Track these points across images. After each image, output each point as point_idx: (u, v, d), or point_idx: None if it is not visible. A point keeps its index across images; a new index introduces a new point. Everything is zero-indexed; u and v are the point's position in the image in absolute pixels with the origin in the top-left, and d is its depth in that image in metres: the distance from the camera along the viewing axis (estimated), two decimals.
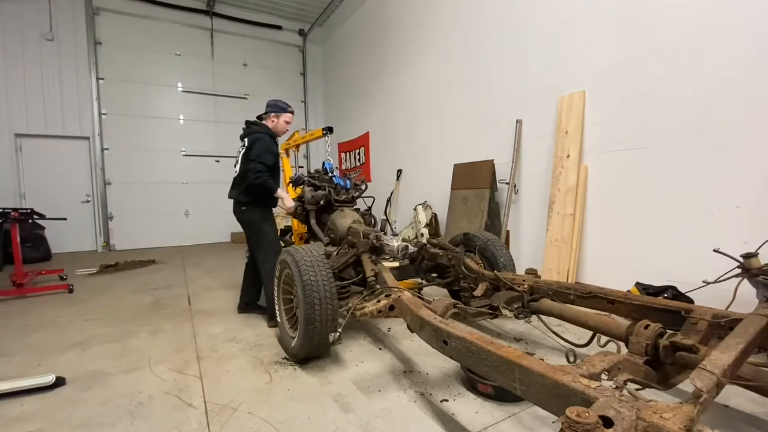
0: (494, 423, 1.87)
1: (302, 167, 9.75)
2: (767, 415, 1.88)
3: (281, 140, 3.83)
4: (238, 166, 3.47)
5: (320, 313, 2.30)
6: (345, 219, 3.71)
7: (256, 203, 3.41)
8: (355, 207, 4.07)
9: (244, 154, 3.41)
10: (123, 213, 8.59)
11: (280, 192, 3.45)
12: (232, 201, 3.53)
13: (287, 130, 3.65)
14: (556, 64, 4.30)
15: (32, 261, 6.73)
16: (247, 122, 3.59)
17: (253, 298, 3.74)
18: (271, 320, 3.28)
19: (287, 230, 6.24)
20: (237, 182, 3.49)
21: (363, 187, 3.94)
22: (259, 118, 3.60)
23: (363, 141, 8.80)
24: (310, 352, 2.46)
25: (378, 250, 3.26)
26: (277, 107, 3.57)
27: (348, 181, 3.90)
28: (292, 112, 3.64)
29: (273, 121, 3.55)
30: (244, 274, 3.77)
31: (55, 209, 7.02)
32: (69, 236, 7.97)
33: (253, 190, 3.33)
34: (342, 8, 9.39)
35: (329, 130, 5.65)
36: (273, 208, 3.60)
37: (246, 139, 3.45)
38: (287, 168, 6.76)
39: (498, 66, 5.09)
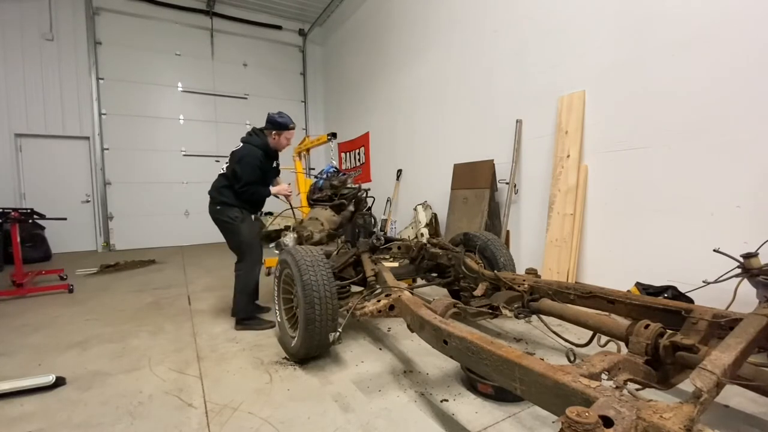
0: (494, 423, 1.87)
1: (314, 169, 9.80)
2: (767, 415, 1.88)
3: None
4: (226, 165, 3.44)
5: (320, 313, 2.30)
6: (311, 217, 3.77)
7: (234, 203, 3.34)
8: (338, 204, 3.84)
9: (231, 154, 3.42)
10: (123, 213, 8.60)
11: (274, 189, 3.50)
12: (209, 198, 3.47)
13: (289, 144, 3.59)
14: (556, 64, 4.30)
15: (32, 261, 6.74)
16: (251, 131, 3.52)
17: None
18: (238, 324, 3.30)
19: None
20: (220, 179, 3.44)
21: (348, 186, 3.80)
22: (262, 130, 3.49)
23: (363, 141, 8.80)
24: (310, 351, 2.46)
25: (377, 250, 3.27)
26: (278, 125, 3.43)
27: (321, 181, 3.91)
28: (293, 128, 3.52)
29: (274, 139, 3.46)
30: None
31: (55, 209, 7.01)
32: (69, 236, 7.97)
33: (246, 198, 3.36)
34: (342, 8, 9.39)
35: (333, 135, 5.99)
36: (253, 214, 3.53)
37: (240, 144, 3.43)
38: (299, 169, 6.96)
39: (498, 66, 5.09)
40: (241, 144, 3.43)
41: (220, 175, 3.47)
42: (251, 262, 3.35)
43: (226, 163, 3.44)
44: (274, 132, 3.44)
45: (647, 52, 3.46)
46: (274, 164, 3.63)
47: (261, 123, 3.57)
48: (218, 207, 3.37)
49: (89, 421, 1.97)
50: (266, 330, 3.22)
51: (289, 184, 3.69)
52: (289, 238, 3.50)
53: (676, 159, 3.29)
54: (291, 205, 3.93)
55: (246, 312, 3.35)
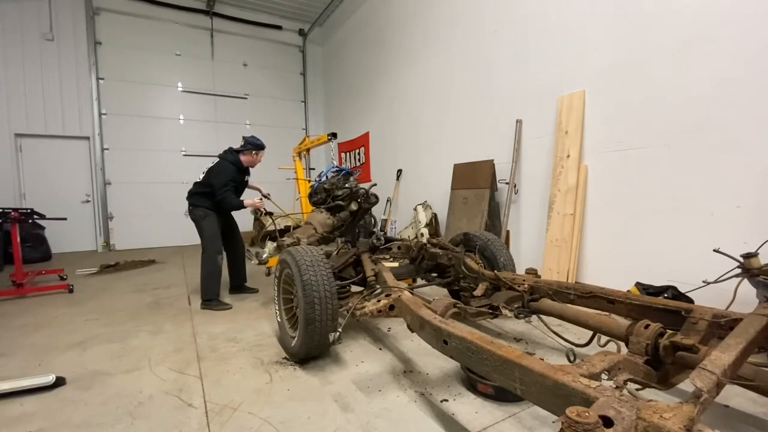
0: (494, 423, 1.87)
1: (314, 169, 9.80)
2: (767, 415, 1.88)
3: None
4: (202, 175, 4.03)
5: (320, 313, 2.30)
6: (307, 222, 3.85)
7: (201, 205, 3.99)
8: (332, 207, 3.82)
9: (209, 169, 4.02)
10: (123, 213, 8.60)
11: (247, 201, 3.98)
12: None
13: (260, 161, 4.24)
14: (556, 64, 4.30)
15: (32, 261, 6.74)
16: (227, 149, 4.13)
17: (240, 282, 4.41)
18: (202, 304, 3.89)
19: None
20: (195, 187, 4.05)
21: (346, 187, 3.77)
22: (238, 151, 4.07)
23: (363, 141, 8.80)
24: (310, 351, 2.46)
25: (377, 250, 3.26)
26: (257, 146, 4.10)
27: (317, 184, 3.96)
28: (265, 147, 4.21)
29: (253, 156, 4.09)
30: (227, 265, 4.39)
31: (55, 209, 7.02)
32: (69, 236, 7.97)
33: (223, 207, 3.96)
34: (342, 8, 9.39)
35: (333, 135, 6.01)
36: (218, 213, 4.05)
37: (217, 160, 4.05)
38: (300, 170, 6.99)
39: (498, 66, 5.09)
40: (218, 159, 4.04)
41: (194, 183, 4.08)
42: (211, 253, 3.93)
43: (203, 173, 4.04)
44: (254, 152, 4.08)
45: (647, 52, 3.46)
46: (246, 178, 4.27)
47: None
48: (190, 208, 4.06)
49: (89, 421, 1.97)
50: (225, 310, 3.79)
51: (261, 198, 4.21)
52: (267, 250, 3.58)
53: (676, 159, 3.29)
54: (272, 218, 4.36)
55: (209, 294, 3.89)
